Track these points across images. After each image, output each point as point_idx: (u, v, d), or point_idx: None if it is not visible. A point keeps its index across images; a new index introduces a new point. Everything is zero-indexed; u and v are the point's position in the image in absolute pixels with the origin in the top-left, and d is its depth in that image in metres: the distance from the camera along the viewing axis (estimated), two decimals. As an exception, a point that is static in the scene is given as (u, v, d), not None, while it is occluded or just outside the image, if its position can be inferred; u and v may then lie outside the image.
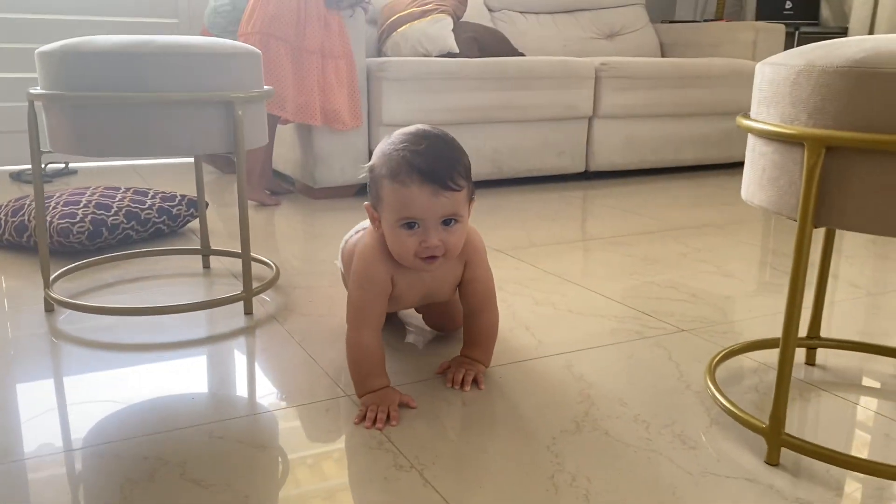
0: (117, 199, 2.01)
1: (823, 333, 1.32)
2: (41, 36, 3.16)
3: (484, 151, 2.87)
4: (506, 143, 2.92)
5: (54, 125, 1.39)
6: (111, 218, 1.92)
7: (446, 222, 1.09)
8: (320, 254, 2.03)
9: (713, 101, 3.28)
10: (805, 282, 0.95)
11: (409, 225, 1.08)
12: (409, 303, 1.28)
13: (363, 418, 1.09)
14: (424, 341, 1.41)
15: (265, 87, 1.52)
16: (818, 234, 1.09)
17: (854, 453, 1.03)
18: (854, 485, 0.96)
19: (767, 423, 1.00)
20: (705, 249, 2.09)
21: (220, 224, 2.29)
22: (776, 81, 0.96)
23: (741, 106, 3.34)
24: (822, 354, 1.34)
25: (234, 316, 1.51)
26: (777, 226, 2.43)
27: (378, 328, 1.16)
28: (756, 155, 1.01)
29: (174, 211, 2.08)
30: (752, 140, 1.03)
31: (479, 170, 2.88)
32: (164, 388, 1.20)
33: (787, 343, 0.96)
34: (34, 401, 1.15)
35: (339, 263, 1.45)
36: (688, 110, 3.25)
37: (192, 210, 2.13)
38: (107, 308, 1.47)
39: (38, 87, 1.40)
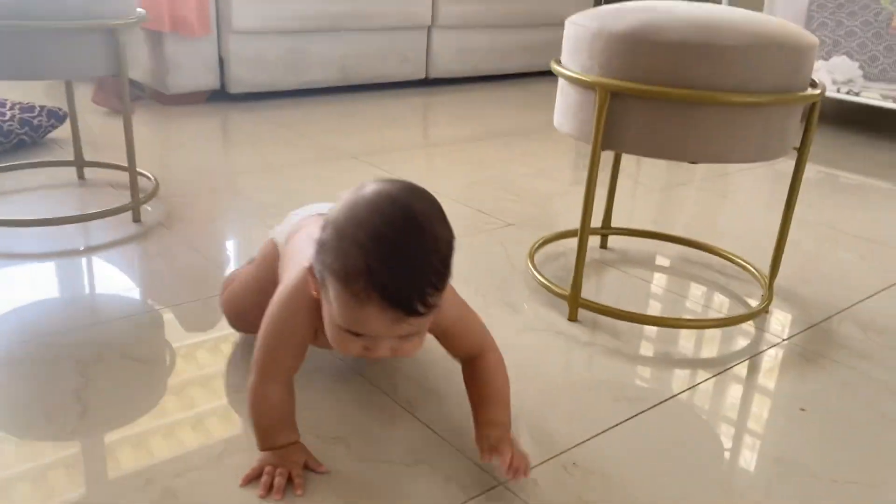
0: (-24, 110, 2.03)
1: (614, 224, 1.73)
2: None
3: (332, 59, 3.05)
4: (353, 50, 3.10)
5: (-65, 48, 1.45)
6: (-26, 130, 1.95)
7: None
8: (188, 163, 2.18)
9: (537, 12, 3.62)
10: (595, 188, 1.30)
11: (356, 333, 0.84)
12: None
13: (255, 479, 0.91)
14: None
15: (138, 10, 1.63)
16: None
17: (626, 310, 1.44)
18: (626, 332, 1.36)
19: (569, 290, 1.38)
20: (528, 154, 2.46)
21: (86, 134, 2.34)
22: (578, 38, 1.27)
23: (561, 18, 3.71)
24: (614, 241, 1.75)
25: (122, 224, 1.68)
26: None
27: (288, 380, 0.95)
28: (564, 93, 1.34)
29: (35, 122, 2.13)
30: (561, 82, 1.35)
31: (327, 76, 3.07)
32: (75, 288, 1.39)
33: (583, 231, 1.33)
34: (-39, 305, 1.31)
35: (274, 235, 1.12)
36: (515, 21, 3.56)
37: (52, 121, 2.18)
38: None
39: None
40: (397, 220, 0.78)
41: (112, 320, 1.28)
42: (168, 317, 1.31)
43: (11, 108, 2.11)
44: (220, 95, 2.91)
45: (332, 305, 0.83)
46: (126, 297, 1.38)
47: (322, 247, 0.83)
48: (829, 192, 2.28)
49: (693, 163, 1.24)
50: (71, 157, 1.96)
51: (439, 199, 0.84)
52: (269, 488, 0.89)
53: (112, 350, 1.19)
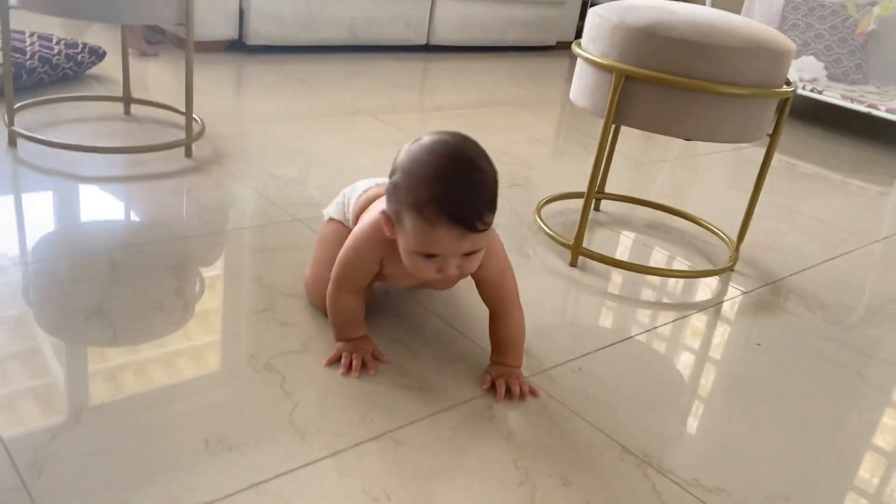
0: (27, 43, 2.19)
1: (607, 189, 1.99)
2: None
3: (343, 20, 3.23)
4: (362, 12, 3.29)
5: (28, -14, 1.63)
6: (28, 62, 2.11)
7: (467, 253, 1.04)
8: (215, 107, 2.37)
9: (534, -10, 3.84)
10: (605, 155, 1.56)
11: (429, 255, 1.04)
12: (401, 286, 1.32)
13: (335, 361, 1.16)
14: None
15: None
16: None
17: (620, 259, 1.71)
18: (617, 277, 1.63)
19: (572, 240, 1.64)
20: (523, 123, 2.71)
21: (117, 73, 2.51)
22: (600, 27, 1.52)
23: (556, -3, 3.94)
24: (605, 205, 2.02)
25: (175, 158, 1.88)
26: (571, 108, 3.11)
27: (359, 292, 1.19)
28: (583, 73, 1.58)
29: (78, 58, 2.29)
30: (581, 63, 1.59)
31: (337, 36, 3.25)
32: (147, 209, 1.60)
33: (589, 193, 1.59)
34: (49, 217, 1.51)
35: (329, 211, 1.36)
36: (513, -3, 3.79)
37: (92, 58, 2.35)
38: (72, 145, 1.77)
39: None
40: (453, 158, 1.01)
41: (188, 237, 1.50)
42: (239, 237, 1.53)
43: (58, 43, 2.27)
44: (237, 46, 3.07)
45: (407, 236, 1.03)
46: (194, 218, 1.59)
47: (395, 188, 1.03)
48: (788, 178, 2.58)
49: (687, 140, 1.50)
50: (117, 94, 2.14)
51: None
52: (349, 368, 1.14)
53: (196, 260, 1.42)
